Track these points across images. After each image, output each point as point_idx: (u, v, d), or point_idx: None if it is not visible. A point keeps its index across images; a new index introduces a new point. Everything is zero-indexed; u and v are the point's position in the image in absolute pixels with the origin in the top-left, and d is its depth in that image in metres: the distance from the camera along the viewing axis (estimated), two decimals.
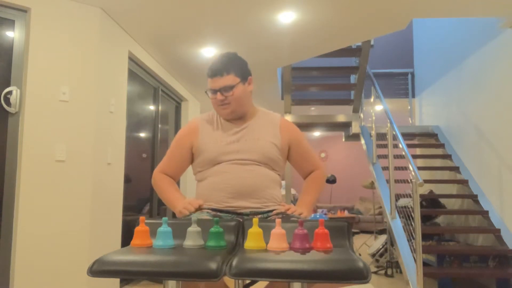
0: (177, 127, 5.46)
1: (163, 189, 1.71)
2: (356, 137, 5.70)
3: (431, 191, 5.06)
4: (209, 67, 1.66)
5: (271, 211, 1.64)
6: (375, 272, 4.50)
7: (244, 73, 1.67)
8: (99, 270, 1.04)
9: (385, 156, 4.50)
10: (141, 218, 1.23)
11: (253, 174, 1.61)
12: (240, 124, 1.71)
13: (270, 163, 1.66)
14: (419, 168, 4.81)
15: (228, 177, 1.60)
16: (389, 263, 4.42)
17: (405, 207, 3.97)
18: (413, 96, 6.42)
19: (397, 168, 4.26)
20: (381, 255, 4.76)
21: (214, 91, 1.64)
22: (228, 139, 1.66)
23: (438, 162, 5.32)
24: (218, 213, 1.61)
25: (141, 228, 1.22)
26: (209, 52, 4.13)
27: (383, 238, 4.92)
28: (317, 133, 10.47)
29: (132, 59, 3.84)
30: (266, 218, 1.61)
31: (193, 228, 1.20)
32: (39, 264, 2.71)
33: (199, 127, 1.72)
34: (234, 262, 1.02)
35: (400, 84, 6.47)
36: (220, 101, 1.64)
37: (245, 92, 1.67)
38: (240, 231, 1.29)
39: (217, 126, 1.71)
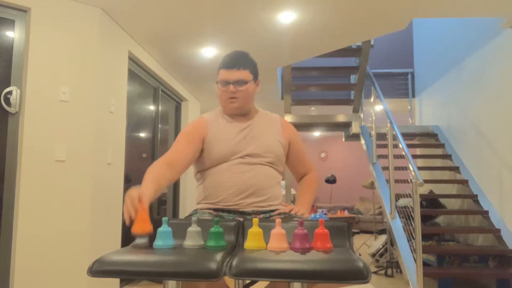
0: (177, 127, 5.46)
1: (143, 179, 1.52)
2: (356, 137, 5.70)
3: (431, 191, 5.06)
4: (224, 60, 1.66)
5: (273, 210, 1.65)
6: (375, 272, 4.50)
7: (256, 74, 1.70)
8: (99, 270, 1.04)
9: (385, 156, 4.50)
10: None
11: (256, 173, 1.61)
12: (245, 121, 1.72)
13: (276, 160, 1.68)
14: (419, 168, 4.81)
15: (231, 176, 1.60)
16: (389, 263, 4.42)
17: (405, 207, 3.97)
18: (413, 96, 6.42)
19: (397, 168, 4.26)
20: (381, 255, 4.76)
21: (227, 83, 1.63)
22: (236, 137, 1.66)
23: (438, 162, 5.32)
24: (220, 213, 1.61)
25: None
26: (209, 52, 4.13)
27: (383, 238, 4.92)
28: (317, 133, 10.47)
29: (132, 59, 3.84)
30: (268, 218, 1.61)
31: (193, 228, 1.20)
32: (39, 264, 2.70)
33: (208, 123, 1.71)
34: (234, 262, 1.02)
35: (400, 84, 6.47)
36: (231, 93, 1.63)
37: (254, 91, 1.70)
38: (240, 231, 1.29)
39: (224, 124, 1.71)
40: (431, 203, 4.67)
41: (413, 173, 3.34)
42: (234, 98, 1.65)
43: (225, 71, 1.63)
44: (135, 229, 1.16)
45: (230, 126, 1.70)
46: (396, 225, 3.87)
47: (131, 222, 1.18)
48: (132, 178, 3.90)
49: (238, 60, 1.64)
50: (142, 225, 1.16)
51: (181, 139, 1.62)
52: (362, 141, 5.26)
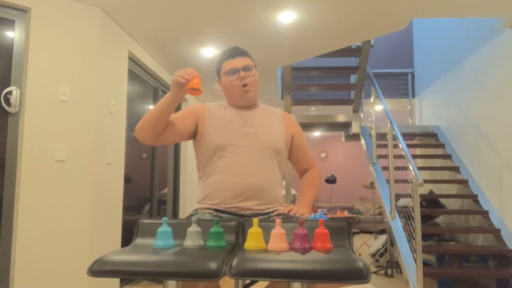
0: None
1: (152, 110, 1.54)
2: (356, 137, 5.70)
3: (431, 191, 5.06)
4: (224, 53, 1.71)
5: (273, 211, 1.64)
6: (375, 272, 4.50)
7: (255, 63, 1.74)
8: (99, 270, 1.04)
9: (385, 156, 4.50)
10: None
11: (257, 174, 1.61)
12: (247, 113, 1.72)
13: (277, 154, 1.68)
14: (419, 168, 4.81)
15: (232, 176, 1.59)
16: (389, 263, 4.42)
17: (405, 207, 3.97)
18: (413, 96, 6.42)
19: (397, 168, 4.26)
20: (381, 255, 4.76)
21: (236, 71, 1.65)
22: (236, 129, 1.66)
23: (438, 162, 5.32)
24: (220, 214, 1.61)
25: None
26: (209, 52, 4.13)
27: (383, 238, 4.92)
28: (317, 133, 10.47)
29: (132, 59, 3.84)
30: (267, 218, 1.61)
31: (193, 228, 1.20)
32: (39, 264, 2.70)
33: (206, 112, 1.72)
34: (234, 262, 1.02)
35: (400, 84, 6.47)
36: (242, 79, 1.65)
37: (258, 80, 1.73)
38: (240, 231, 1.29)
39: (225, 115, 1.70)
40: (431, 203, 4.67)
41: (413, 173, 3.34)
42: (246, 86, 1.66)
43: (231, 60, 1.67)
44: (192, 84, 1.41)
45: (231, 118, 1.69)
46: (396, 225, 3.87)
47: (187, 83, 1.44)
48: (132, 178, 3.91)
49: (239, 49, 1.70)
50: (198, 82, 1.43)
51: (176, 114, 1.68)
52: (362, 141, 5.26)
